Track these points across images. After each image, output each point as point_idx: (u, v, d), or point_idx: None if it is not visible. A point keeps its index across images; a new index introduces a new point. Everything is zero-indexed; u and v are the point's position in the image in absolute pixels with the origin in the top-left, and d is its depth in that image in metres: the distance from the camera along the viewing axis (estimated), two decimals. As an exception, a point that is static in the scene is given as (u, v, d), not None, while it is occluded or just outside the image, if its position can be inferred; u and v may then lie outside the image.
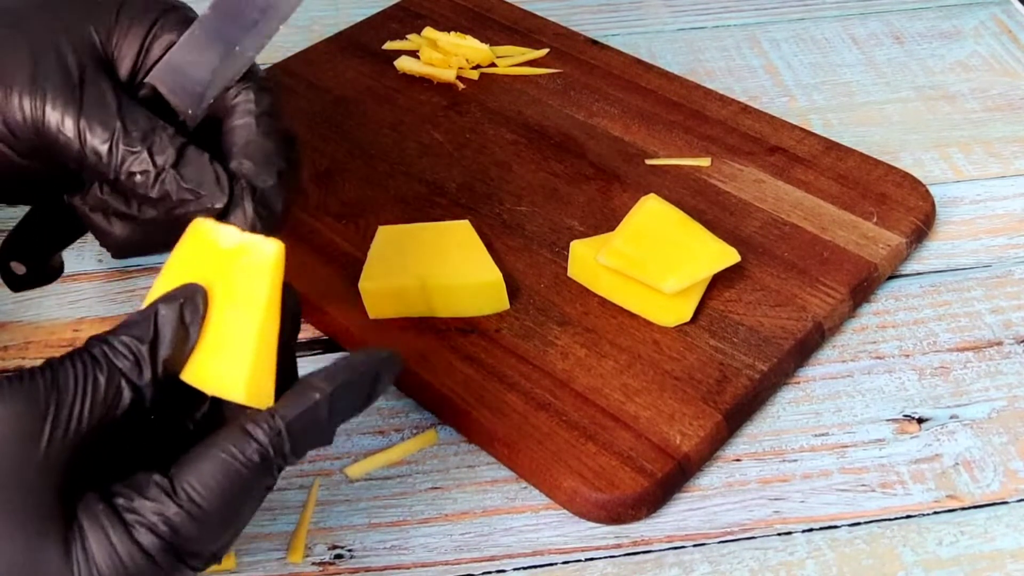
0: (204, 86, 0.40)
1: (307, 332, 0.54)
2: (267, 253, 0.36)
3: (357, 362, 0.38)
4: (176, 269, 0.37)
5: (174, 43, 0.40)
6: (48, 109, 0.38)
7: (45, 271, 0.45)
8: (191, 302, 0.35)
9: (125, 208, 0.40)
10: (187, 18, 0.41)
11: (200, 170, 0.38)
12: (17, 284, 0.44)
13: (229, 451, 0.35)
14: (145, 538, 0.33)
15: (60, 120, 0.38)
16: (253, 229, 0.38)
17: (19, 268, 0.43)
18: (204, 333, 0.36)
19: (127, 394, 0.34)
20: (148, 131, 0.38)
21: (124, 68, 0.40)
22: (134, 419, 0.35)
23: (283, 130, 0.41)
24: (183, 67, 0.40)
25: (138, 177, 0.38)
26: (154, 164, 0.38)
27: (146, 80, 0.40)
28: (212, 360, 0.36)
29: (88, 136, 0.38)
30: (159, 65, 0.40)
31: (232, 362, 0.35)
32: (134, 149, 0.38)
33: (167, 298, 0.36)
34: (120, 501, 0.34)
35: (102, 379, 0.34)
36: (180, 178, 0.38)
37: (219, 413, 0.38)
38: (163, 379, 0.35)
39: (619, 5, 0.80)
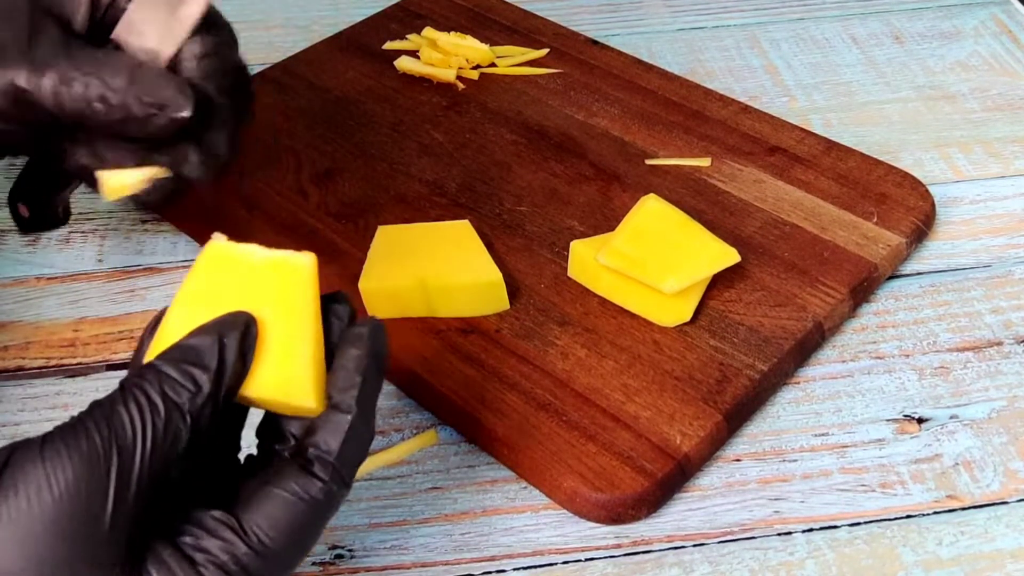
0: (158, 45, 0.39)
1: (307, 332, 0.54)
2: (304, 265, 0.37)
3: (366, 360, 0.37)
4: (199, 292, 0.36)
5: None
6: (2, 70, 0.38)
7: (49, 215, 0.45)
8: (249, 331, 0.35)
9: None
10: None
11: (158, 83, 0.37)
12: (25, 227, 0.44)
13: (293, 491, 0.34)
14: None
15: (14, 77, 0.38)
16: (201, 176, 0.38)
17: (23, 211, 0.43)
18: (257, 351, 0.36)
19: (185, 433, 0.33)
20: (98, 62, 0.38)
21: (79, 20, 0.39)
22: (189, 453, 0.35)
23: (226, 67, 0.40)
24: (138, 25, 0.39)
25: (97, 105, 0.37)
26: (109, 87, 0.37)
27: (111, 37, 0.39)
28: (274, 373, 0.36)
29: (41, 83, 0.38)
30: (121, 22, 0.39)
31: (296, 372, 0.36)
32: (86, 81, 0.37)
33: (225, 326, 0.35)
34: (187, 540, 0.33)
35: (160, 422, 0.33)
36: (140, 94, 0.37)
37: (266, 446, 0.38)
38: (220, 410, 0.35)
39: (619, 5, 0.80)
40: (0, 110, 0.38)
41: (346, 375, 0.36)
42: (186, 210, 0.59)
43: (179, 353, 0.34)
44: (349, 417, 0.36)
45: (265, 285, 0.36)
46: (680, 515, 0.46)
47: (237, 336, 0.35)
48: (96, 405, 0.33)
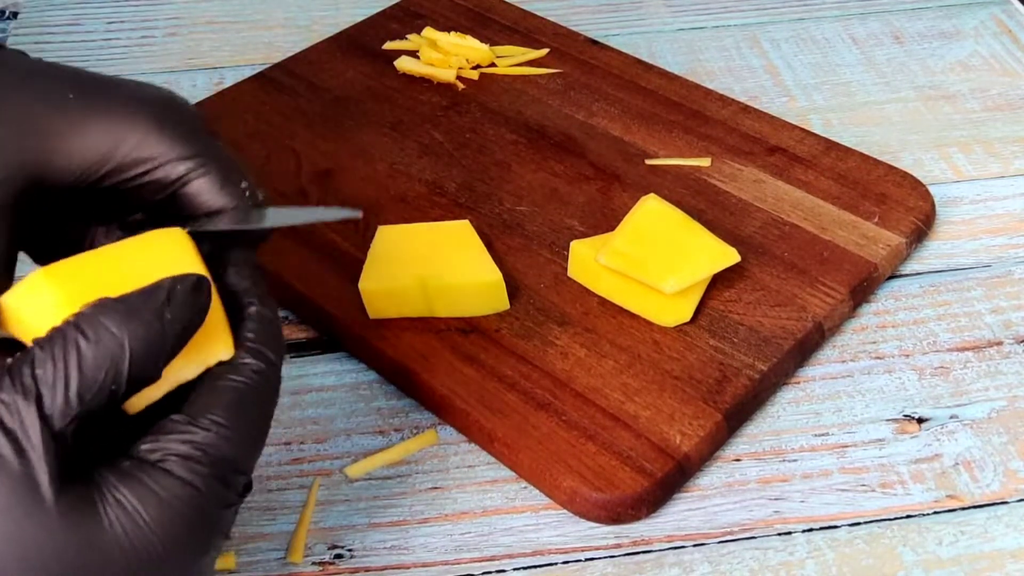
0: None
1: (307, 332, 0.54)
2: (177, 235, 0.37)
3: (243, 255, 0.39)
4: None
5: None
6: None
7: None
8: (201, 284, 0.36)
9: None
10: None
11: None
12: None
13: (228, 378, 0.35)
14: (181, 469, 0.33)
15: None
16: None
17: None
18: None
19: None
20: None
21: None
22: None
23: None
24: None
25: None
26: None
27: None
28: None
29: None
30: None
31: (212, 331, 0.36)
32: None
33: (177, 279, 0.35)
34: (144, 447, 0.34)
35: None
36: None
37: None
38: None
39: (619, 5, 0.80)
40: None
41: (233, 272, 0.38)
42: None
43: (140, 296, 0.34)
44: (253, 308, 0.37)
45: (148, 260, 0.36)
46: (680, 515, 0.46)
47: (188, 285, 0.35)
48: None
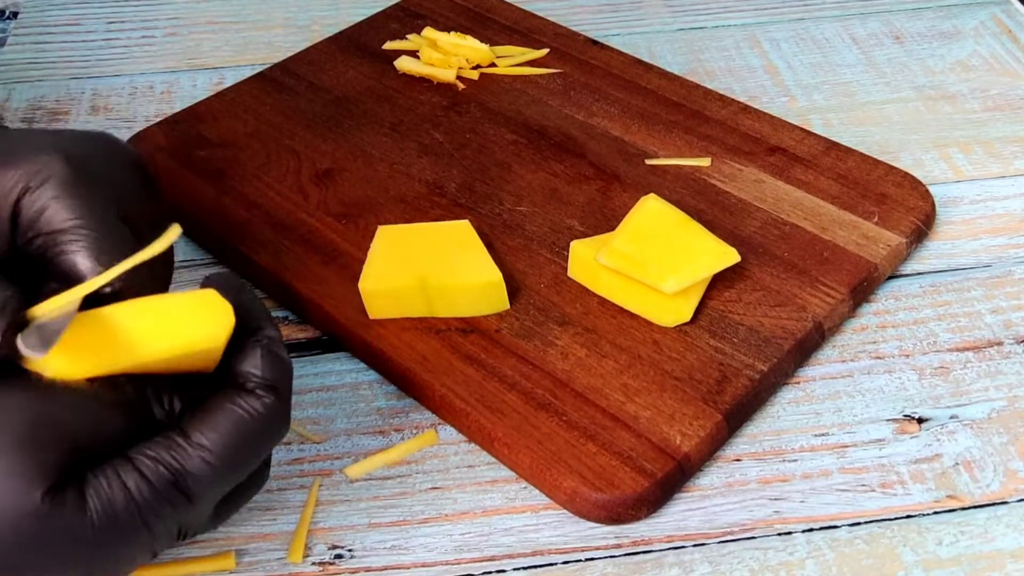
0: None
1: (307, 332, 0.54)
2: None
3: (247, 290, 0.40)
4: None
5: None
6: None
7: None
8: None
9: None
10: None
11: None
12: None
13: (236, 402, 0.37)
14: (154, 473, 0.35)
15: None
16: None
17: None
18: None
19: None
20: None
21: None
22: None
23: None
24: None
25: None
26: None
27: None
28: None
29: None
30: None
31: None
32: None
33: None
34: (132, 451, 0.36)
35: None
36: None
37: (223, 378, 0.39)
38: None
39: (619, 5, 0.80)
40: None
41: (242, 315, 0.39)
42: (186, 211, 0.59)
43: None
44: (259, 344, 0.38)
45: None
46: (680, 515, 0.46)
47: None
48: None
